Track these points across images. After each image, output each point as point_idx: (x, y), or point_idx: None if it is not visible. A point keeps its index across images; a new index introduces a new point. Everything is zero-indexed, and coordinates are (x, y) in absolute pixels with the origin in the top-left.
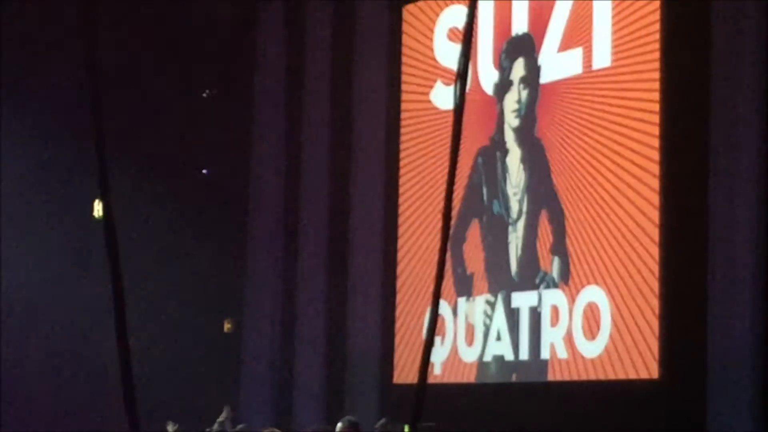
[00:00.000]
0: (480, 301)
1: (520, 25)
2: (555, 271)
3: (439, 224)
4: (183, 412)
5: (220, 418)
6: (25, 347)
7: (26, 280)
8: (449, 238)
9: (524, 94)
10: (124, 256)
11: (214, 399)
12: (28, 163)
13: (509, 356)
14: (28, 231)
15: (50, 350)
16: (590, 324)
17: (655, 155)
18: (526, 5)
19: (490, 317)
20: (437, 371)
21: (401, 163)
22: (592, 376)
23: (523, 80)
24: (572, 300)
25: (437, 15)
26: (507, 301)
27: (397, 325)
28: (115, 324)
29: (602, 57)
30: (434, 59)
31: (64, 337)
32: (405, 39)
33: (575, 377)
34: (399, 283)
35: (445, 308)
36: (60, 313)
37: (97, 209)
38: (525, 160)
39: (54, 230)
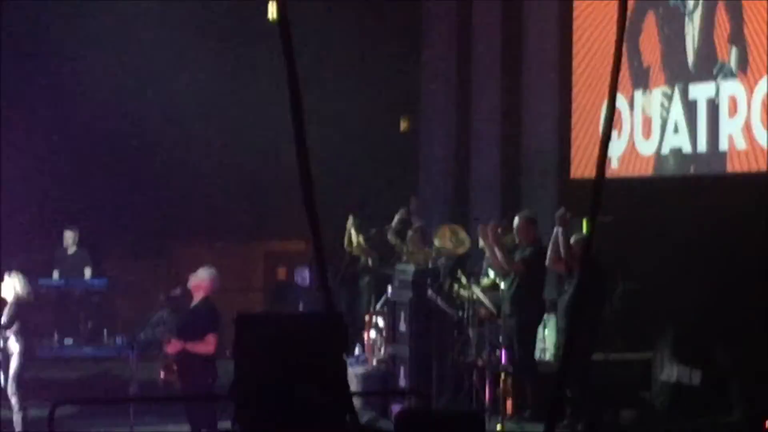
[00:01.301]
0: (657, 94)
1: None
2: (733, 61)
3: (615, 15)
4: (363, 209)
5: (400, 214)
6: (203, 151)
7: (203, 84)
8: (625, 30)
9: None
10: (300, 57)
11: (393, 195)
12: None
13: (687, 148)
14: (206, 36)
15: (228, 155)
16: None
17: None
18: None
19: (668, 109)
20: (614, 165)
21: None
22: None
23: None
24: (750, 90)
25: None
26: (684, 93)
27: (574, 119)
28: (293, 125)
29: None
30: None
31: (242, 141)
32: None
33: (754, 168)
34: (575, 77)
35: (621, 101)
36: (237, 116)
37: (271, 11)
38: None
39: (229, 34)
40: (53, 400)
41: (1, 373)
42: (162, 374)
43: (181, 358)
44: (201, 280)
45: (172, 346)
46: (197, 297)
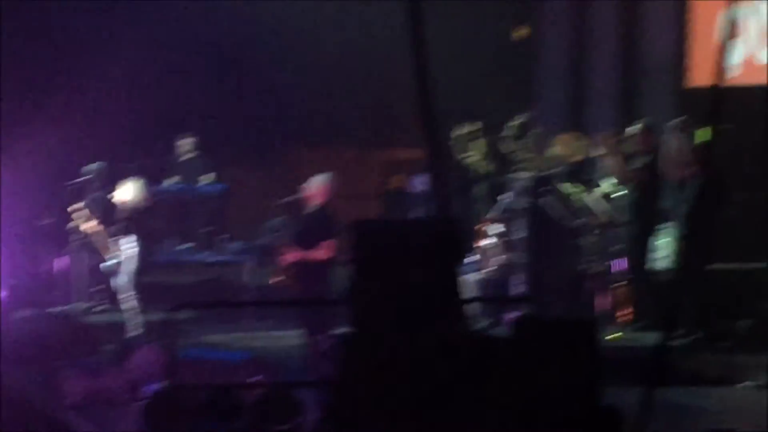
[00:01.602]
0: None
1: None
2: None
3: None
4: (478, 117)
5: (518, 121)
6: (321, 58)
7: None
8: None
9: None
10: None
11: (509, 105)
12: None
13: None
14: None
15: (345, 61)
16: None
17: None
18: None
19: None
20: (733, 73)
21: None
22: None
23: None
24: None
25: None
26: None
27: (693, 27)
28: (411, 33)
29: None
30: None
31: (360, 48)
32: None
33: None
34: None
35: (741, 9)
36: (356, 24)
37: None
38: None
39: None
40: (170, 305)
41: (119, 278)
42: (278, 280)
43: (297, 265)
44: (317, 187)
45: (289, 253)
46: (314, 204)
